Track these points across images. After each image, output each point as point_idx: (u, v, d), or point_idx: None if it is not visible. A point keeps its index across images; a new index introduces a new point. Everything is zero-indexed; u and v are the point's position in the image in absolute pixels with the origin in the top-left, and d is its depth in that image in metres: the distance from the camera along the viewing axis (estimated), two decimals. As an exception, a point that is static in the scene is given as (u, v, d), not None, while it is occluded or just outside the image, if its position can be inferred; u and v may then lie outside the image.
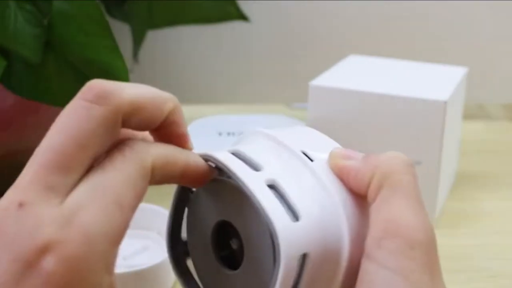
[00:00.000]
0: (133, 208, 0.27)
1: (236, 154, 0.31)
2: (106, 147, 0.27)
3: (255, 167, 0.30)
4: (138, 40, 0.83)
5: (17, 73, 0.56)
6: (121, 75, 0.57)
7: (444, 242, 0.57)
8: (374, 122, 0.59)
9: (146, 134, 0.30)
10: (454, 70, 0.67)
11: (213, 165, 0.31)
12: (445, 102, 0.56)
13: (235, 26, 0.97)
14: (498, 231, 0.60)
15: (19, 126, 0.62)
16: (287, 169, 0.30)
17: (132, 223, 0.60)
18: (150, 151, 0.28)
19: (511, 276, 0.53)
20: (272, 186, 0.29)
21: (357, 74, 0.64)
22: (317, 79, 0.61)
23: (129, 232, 0.58)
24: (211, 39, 0.99)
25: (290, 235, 0.28)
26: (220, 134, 0.64)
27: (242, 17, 0.86)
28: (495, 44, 0.99)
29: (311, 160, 0.30)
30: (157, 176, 0.28)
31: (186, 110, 0.89)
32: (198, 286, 0.33)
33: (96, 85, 0.27)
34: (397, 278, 0.26)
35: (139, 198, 0.27)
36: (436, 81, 0.62)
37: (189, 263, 0.34)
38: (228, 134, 0.65)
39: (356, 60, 0.69)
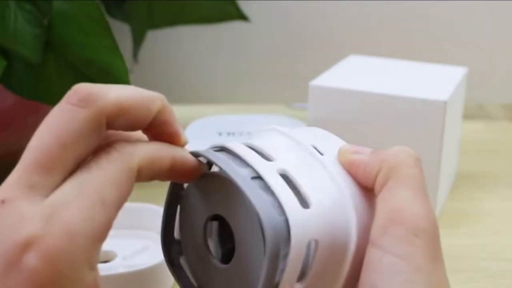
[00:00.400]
0: (117, 206, 0.27)
1: (248, 146, 0.32)
2: (91, 148, 0.28)
3: (267, 158, 0.31)
4: (138, 40, 0.83)
5: (17, 73, 0.56)
6: (121, 75, 0.57)
7: (444, 242, 0.57)
8: (374, 122, 0.59)
9: (139, 133, 0.31)
10: (454, 70, 0.67)
11: (204, 160, 0.31)
12: (445, 102, 0.56)
13: (235, 26, 0.97)
14: (498, 231, 0.60)
15: (19, 126, 0.62)
16: (298, 161, 0.31)
17: (132, 223, 0.60)
18: (136, 152, 0.28)
19: (511, 276, 0.53)
20: (283, 176, 0.30)
21: (357, 74, 0.64)
22: (317, 79, 0.61)
23: (129, 232, 0.59)
24: (211, 39, 0.99)
25: (301, 220, 0.29)
26: (220, 134, 0.64)
27: (242, 17, 0.86)
28: (495, 44, 0.99)
29: (321, 155, 0.31)
30: (145, 175, 0.29)
31: (186, 110, 0.89)
32: (192, 283, 0.33)
33: (81, 88, 0.28)
34: (400, 262, 0.27)
35: (123, 197, 0.27)
36: (436, 81, 0.62)
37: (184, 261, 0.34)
38: (228, 134, 0.65)
39: (356, 60, 0.69)
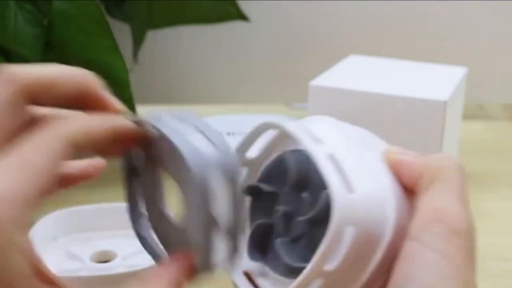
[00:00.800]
0: (49, 174, 0.27)
1: (300, 127, 0.33)
2: (15, 125, 0.29)
3: (317, 141, 0.32)
4: (138, 40, 0.83)
5: (17, 73, 0.56)
6: (121, 75, 0.57)
7: (444, 242, 0.57)
8: (374, 122, 0.59)
9: (76, 112, 0.31)
10: (454, 70, 0.67)
11: (150, 126, 0.31)
12: (445, 102, 0.56)
13: (235, 26, 0.97)
14: (498, 231, 0.60)
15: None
16: (345, 150, 0.32)
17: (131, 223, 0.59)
18: (70, 123, 0.29)
19: (511, 276, 0.53)
20: (331, 159, 0.31)
21: (357, 74, 0.64)
22: (317, 79, 0.61)
23: (128, 232, 0.58)
24: (211, 39, 0.99)
25: (344, 204, 0.29)
26: (220, 134, 0.64)
27: (242, 17, 0.86)
28: (495, 44, 0.99)
29: (367, 150, 0.33)
30: (85, 146, 0.29)
31: (186, 110, 0.89)
32: (161, 253, 0.33)
33: (4, 69, 0.29)
34: (440, 258, 0.29)
35: (56, 166, 0.28)
36: (436, 81, 0.62)
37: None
38: (228, 134, 0.65)
39: (356, 60, 0.69)
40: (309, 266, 0.30)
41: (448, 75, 0.64)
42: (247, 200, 0.36)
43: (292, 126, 0.33)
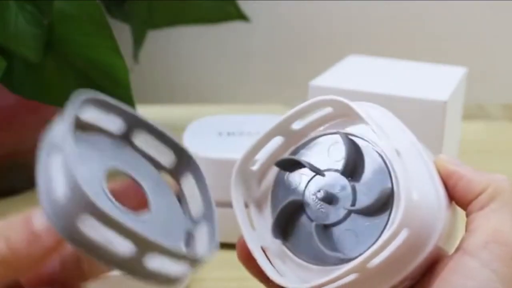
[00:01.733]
0: None
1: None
2: None
3: (385, 133, 0.32)
4: (138, 40, 0.83)
5: (18, 73, 0.56)
6: (121, 75, 0.57)
7: (444, 242, 0.57)
8: (374, 122, 0.59)
9: None
10: (454, 70, 0.67)
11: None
12: (445, 102, 0.56)
13: (235, 26, 0.97)
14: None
15: (19, 126, 0.62)
16: (408, 147, 0.32)
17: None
18: None
19: None
20: (398, 155, 0.31)
21: (357, 74, 0.64)
22: (317, 79, 0.61)
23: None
24: (211, 39, 0.99)
25: (408, 207, 0.29)
26: (220, 134, 0.64)
27: (242, 17, 0.86)
28: (495, 44, 0.99)
29: (424, 150, 0.33)
30: None
31: (186, 110, 0.89)
32: None
33: None
34: (496, 279, 0.29)
35: None
36: (436, 81, 0.62)
37: None
38: (228, 134, 0.65)
39: (356, 60, 0.69)
40: (354, 262, 0.29)
41: (448, 75, 0.64)
42: (274, 171, 0.35)
43: (359, 110, 0.32)
